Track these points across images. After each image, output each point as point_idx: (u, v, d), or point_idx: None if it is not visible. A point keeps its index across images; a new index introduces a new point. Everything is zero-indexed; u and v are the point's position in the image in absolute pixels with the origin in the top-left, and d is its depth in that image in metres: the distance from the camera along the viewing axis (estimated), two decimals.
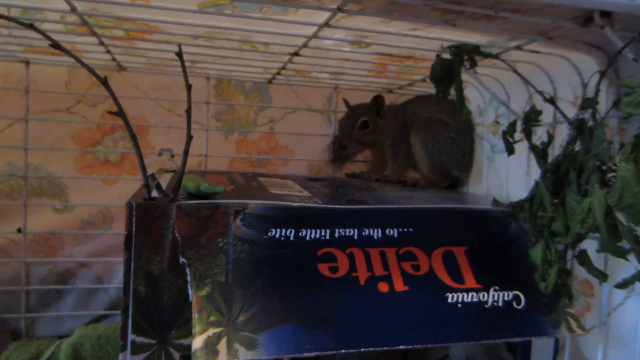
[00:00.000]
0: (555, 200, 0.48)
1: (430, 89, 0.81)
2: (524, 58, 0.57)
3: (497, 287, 0.46)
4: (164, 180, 0.60)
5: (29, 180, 0.76)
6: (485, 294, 0.46)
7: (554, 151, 0.54)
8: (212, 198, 0.49)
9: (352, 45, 0.57)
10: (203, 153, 0.80)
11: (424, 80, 0.76)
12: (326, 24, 0.46)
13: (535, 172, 0.65)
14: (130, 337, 0.41)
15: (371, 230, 0.48)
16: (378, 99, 0.74)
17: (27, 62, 0.73)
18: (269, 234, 0.45)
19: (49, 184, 0.78)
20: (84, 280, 0.78)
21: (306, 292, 0.43)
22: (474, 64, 0.55)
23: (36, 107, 0.76)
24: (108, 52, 0.63)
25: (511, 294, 0.47)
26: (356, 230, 0.47)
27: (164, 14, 0.46)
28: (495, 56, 0.56)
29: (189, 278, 0.42)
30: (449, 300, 0.45)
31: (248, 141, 0.84)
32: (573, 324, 0.47)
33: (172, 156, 0.83)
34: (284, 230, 0.46)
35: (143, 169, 0.47)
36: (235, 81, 0.81)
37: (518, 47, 0.54)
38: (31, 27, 0.41)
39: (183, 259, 0.43)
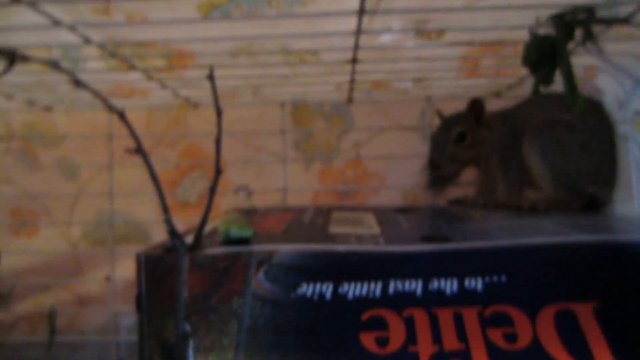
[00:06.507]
0: None
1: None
2: None
3: None
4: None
5: (117, 226, 0.76)
6: None
7: None
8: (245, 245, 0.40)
9: (420, 38, 0.44)
10: (281, 187, 0.72)
11: None
12: (362, 11, 0.35)
13: None
14: None
15: (443, 282, 0.34)
16: (476, 103, 0.59)
17: (110, 110, 0.74)
18: (298, 291, 0.34)
19: (136, 229, 0.77)
20: None
21: None
22: (589, 36, 0.38)
23: (120, 154, 0.76)
24: (164, 86, 0.60)
25: None
26: (420, 282, 0.34)
27: (172, 30, 0.40)
28: (626, 20, 0.39)
29: (189, 353, 0.33)
30: None
31: (332, 170, 0.74)
32: None
33: (250, 194, 0.77)
34: (318, 286, 0.34)
35: (164, 209, 0.41)
36: (312, 104, 0.73)
37: None
38: (54, 65, 0.37)
39: (187, 328, 0.34)
